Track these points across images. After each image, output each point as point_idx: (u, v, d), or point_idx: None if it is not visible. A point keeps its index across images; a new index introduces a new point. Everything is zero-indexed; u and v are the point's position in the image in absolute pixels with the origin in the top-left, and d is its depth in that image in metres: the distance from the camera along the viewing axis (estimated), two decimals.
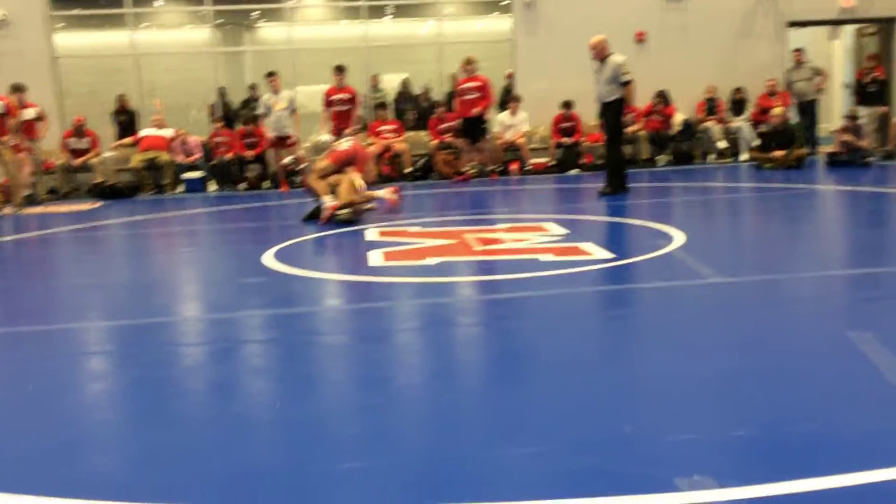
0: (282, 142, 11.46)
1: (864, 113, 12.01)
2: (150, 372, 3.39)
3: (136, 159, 11.98)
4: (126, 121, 12.82)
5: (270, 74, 11.38)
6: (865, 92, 12.45)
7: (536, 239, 6.12)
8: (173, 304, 4.94)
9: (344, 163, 7.75)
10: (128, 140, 12.43)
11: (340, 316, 4.40)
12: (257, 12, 16.20)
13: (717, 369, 3.08)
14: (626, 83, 8.76)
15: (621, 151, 9.31)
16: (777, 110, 11.42)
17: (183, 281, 5.74)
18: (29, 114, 11.25)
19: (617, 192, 8.91)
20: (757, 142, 11.95)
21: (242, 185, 12.02)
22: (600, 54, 8.89)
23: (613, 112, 8.89)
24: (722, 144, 12.59)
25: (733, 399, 2.78)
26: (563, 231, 6.44)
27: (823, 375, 2.99)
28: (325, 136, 11.72)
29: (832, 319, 3.81)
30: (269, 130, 11.47)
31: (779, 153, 11.01)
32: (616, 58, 8.83)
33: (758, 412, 2.65)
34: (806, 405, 2.69)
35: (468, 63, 11.52)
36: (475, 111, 11.35)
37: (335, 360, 3.56)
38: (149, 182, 11.98)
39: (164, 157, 12.01)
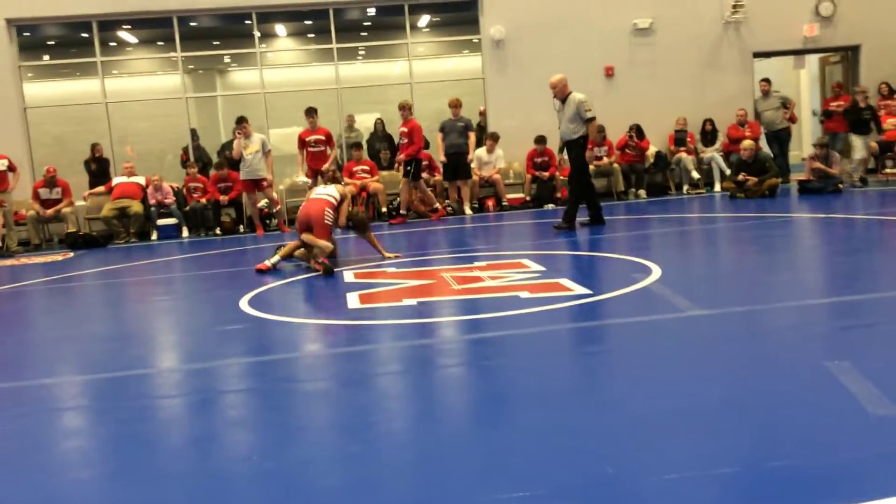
0: (256, 185, 11.44)
1: (859, 143, 12.07)
2: (126, 427, 3.32)
3: (108, 208, 11.89)
4: (98, 169, 12.72)
5: (240, 121, 11.39)
6: (860, 119, 12.34)
7: (515, 276, 6.11)
8: (150, 355, 4.86)
9: (304, 226, 7.47)
10: (100, 189, 12.35)
11: (319, 361, 4.34)
12: (228, 57, 16.27)
13: (698, 405, 3.07)
14: (590, 119, 8.85)
15: (591, 185, 9.38)
16: (747, 143, 11.57)
17: (159, 330, 5.65)
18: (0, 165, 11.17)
19: (596, 223, 9.09)
20: (729, 172, 12.11)
21: (217, 230, 11.96)
22: (561, 93, 8.97)
23: (579, 148, 8.96)
24: (695, 175, 12.74)
25: (716, 435, 2.76)
26: (540, 267, 6.44)
27: (805, 408, 2.99)
28: (301, 178, 11.74)
29: (811, 350, 3.81)
30: (242, 174, 11.45)
31: (751, 182, 11.15)
32: (577, 95, 8.91)
33: (741, 448, 2.63)
34: (789, 439, 2.68)
35: (401, 108, 11.68)
36: (399, 157, 11.56)
37: (315, 408, 3.50)
38: (121, 230, 11.88)
39: (136, 205, 11.93)
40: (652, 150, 12.90)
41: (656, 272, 5.80)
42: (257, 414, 3.47)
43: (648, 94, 13.08)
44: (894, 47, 13.16)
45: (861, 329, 4.11)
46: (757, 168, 11.28)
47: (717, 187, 12.62)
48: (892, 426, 2.72)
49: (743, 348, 3.87)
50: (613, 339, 4.34)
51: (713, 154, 12.86)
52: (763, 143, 12.81)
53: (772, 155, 12.37)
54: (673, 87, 13.17)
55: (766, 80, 13.22)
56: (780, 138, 13.15)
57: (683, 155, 12.90)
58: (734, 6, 13.12)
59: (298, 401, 3.62)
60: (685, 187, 12.87)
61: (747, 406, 3.03)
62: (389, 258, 7.57)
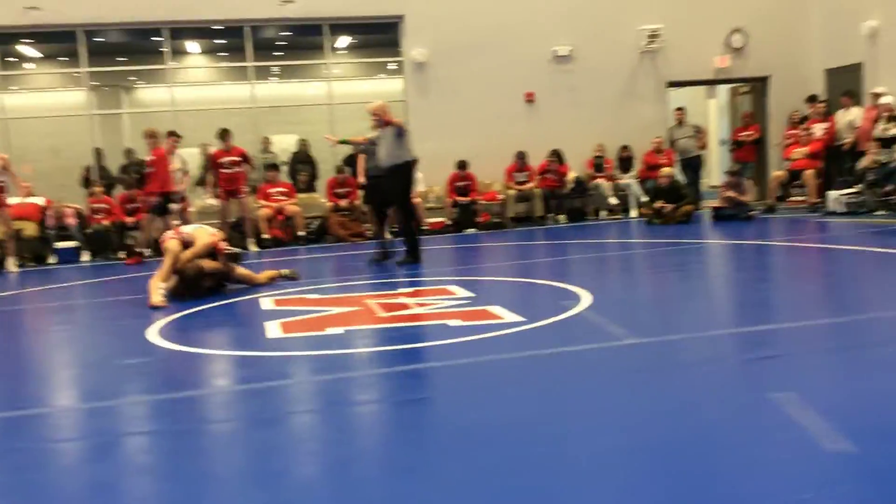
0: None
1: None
2: (18, 475, 2.93)
3: (1, 230, 11.11)
4: None
5: (171, 134, 10.82)
6: None
7: (443, 303, 5.88)
8: (45, 392, 4.40)
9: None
10: None
11: (235, 398, 4.00)
12: (136, 74, 15.65)
13: (644, 439, 2.90)
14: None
15: (414, 217, 9.00)
16: (665, 170, 11.78)
17: (56, 364, 5.17)
18: None
19: (416, 261, 8.57)
20: (645, 198, 12.27)
21: (122, 254, 11.34)
22: (381, 120, 8.48)
23: (403, 175, 8.54)
24: (613, 201, 12.86)
25: (660, 469, 2.60)
26: (468, 293, 6.23)
27: (746, 441, 2.86)
28: (211, 200, 11.28)
29: (747, 380, 3.72)
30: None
31: (668, 209, 11.29)
32: (397, 121, 8.53)
33: (684, 483, 2.49)
34: (734, 472, 2.57)
35: (147, 136, 10.62)
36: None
37: (228, 452, 3.18)
38: (15, 254, 11.10)
39: (31, 228, 11.23)
40: (571, 175, 12.96)
41: (586, 299, 5.68)
42: (164, 460, 3.12)
43: (568, 120, 13.15)
44: (802, 79, 13.63)
45: (784, 358, 4.03)
46: (673, 195, 11.45)
47: (634, 213, 12.76)
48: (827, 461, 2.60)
49: (685, 379, 3.74)
50: (550, 369, 4.13)
51: (630, 181, 13.01)
52: (677, 171, 13.05)
53: (685, 182, 12.61)
54: (592, 114, 13.28)
55: (681, 109, 13.50)
56: (693, 165, 13.42)
57: (602, 181, 13.01)
58: (650, 36, 13.37)
59: (211, 444, 3.28)
60: (602, 212, 12.97)
61: (694, 440, 2.89)
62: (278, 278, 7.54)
